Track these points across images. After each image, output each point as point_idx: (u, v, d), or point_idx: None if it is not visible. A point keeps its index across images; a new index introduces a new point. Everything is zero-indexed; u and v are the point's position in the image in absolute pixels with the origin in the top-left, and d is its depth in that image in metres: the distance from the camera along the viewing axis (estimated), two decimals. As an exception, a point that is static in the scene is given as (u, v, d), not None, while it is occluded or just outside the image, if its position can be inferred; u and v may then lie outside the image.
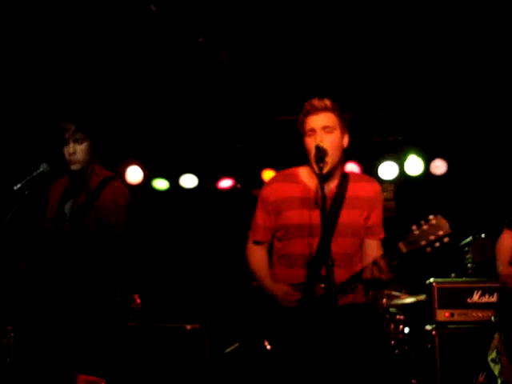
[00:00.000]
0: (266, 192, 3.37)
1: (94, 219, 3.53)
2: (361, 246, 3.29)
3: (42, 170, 3.47)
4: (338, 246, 3.10)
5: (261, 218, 3.35)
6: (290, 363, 3.07)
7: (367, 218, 3.26)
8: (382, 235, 3.33)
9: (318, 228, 3.09)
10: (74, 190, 3.67)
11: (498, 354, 3.77)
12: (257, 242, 3.39)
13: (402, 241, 2.92)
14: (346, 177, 3.28)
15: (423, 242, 2.86)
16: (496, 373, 3.83)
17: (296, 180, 3.31)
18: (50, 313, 3.43)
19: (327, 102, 3.21)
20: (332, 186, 3.22)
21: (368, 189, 3.30)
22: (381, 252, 3.13)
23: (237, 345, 6.07)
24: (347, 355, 3.03)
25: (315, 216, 3.10)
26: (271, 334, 3.15)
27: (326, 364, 2.98)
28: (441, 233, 2.84)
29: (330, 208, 3.14)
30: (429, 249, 2.87)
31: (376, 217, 3.30)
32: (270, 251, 3.44)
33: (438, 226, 2.85)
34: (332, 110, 3.20)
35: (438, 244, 2.86)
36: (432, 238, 2.85)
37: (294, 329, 3.09)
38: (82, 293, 3.45)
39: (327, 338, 2.94)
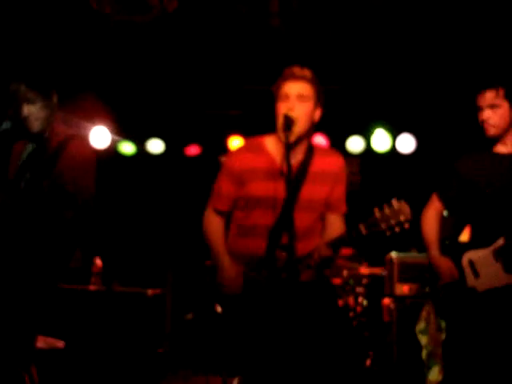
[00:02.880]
0: (231, 161, 3.31)
1: (54, 185, 3.35)
2: (320, 219, 3.27)
3: (4, 127, 3.37)
4: (297, 219, 3.07)
5: (224, 186, 3.29)
6: (242, 330, 3.10)
7: (330, 193, 3.23)
8: (344, 210, 3.30)
9: (281, 200, 3.08)
10: (34, 154, 3.52)
11: (426, 324, 3.85)
12: (217, 211, 3.33)
13: (363, 222, 2.92)
14: (311, 150, 3.24)
15: (383, 226, 2.85)
16: (423, 343, 3.92)
17: (262, 150, 3.26)
18: (6, 273, 3.35)
19: (307, 72, 3.17)
20: (297, 158, 3.21)
21: (332, 163, 3.26)
22: (343, 227, 3.16)
23: (192, 314, 6.11)
24: (301, 329, 3.06)
25: (280, 188, 3.07)
26: (225, 301, 3.17)
27: (281, 335, 3.01)
28: (402, 218, 2.84)
29: (294, 181, 3.13)
30: (388, 232, 2.87)
31: (339, 192, 3.26)
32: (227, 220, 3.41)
33: (399, 210, 2.84)
34: (310, 80, 3.15)
35: (398, 229, 2.85)
36: (393, 222, 2.84)
37: (249, 297, 3.11)
38: (41, 256, 3.36)
39: (282, 309, 2.97)
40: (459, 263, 3.62)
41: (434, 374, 3.86)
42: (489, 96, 3.60)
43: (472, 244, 3.65)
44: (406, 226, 2.85)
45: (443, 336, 3.75)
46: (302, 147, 3.21)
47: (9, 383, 3.21)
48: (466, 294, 3.55)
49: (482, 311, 3.51)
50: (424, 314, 3.88)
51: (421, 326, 3.92)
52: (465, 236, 3.75)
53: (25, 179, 3.42)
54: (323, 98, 3.23)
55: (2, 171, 3.55)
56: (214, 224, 3.34)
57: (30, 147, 3.50)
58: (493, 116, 3.59)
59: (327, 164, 3.25)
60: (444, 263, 3.64)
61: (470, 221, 3.74)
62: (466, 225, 3.78)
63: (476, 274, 3.57)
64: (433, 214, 3.80)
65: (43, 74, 3.49)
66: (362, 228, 2.90)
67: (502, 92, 3.59)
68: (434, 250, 3.72)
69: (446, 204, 3.79)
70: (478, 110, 3.65)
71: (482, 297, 3.52)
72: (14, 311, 3.26)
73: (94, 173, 3.47)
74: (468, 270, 3.59)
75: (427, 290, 3.86)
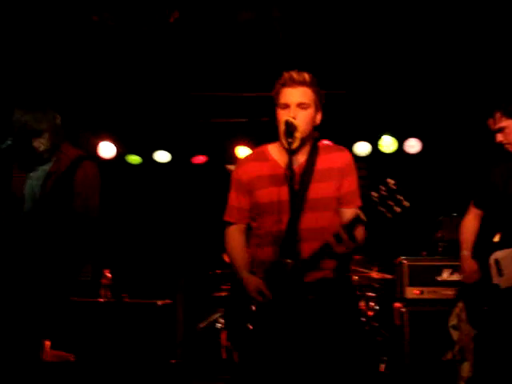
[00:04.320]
0: (238, 173, 3.29)
1: (65, 206, 3.44)
2: (335, 218, 3.17)
3: (9, 143, 3.39)
4: (309, 220, 3.06)
5: (235, 199, 3.28)
6: (259, 341, 3.07)
7: (339, 188, 3.17)
8: (359, 203, 3.16)
9: (286, 204, 3.03)
10: (41, 171, 3.57)
11: (459, 320, 3.95)
12: (233, 224, 3.31)
13: (361, 207, 2.89)
14: (315, 150, 3.20)
15: (382, 208, 2.79)
16: (455, 338, 4.00)
17: (265, 158, 3.25)
18: (15, 288, 3.37)
19: (306, 76, 3.11)
20: (301, 160, 3.18)
21: (338, 159, 3.20)
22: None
23: (212, 318, 6.09)
24: (318, 333, 3.02)
25: (284, 192, 3.04)
26: (240, 311, 3.14)
27: (296, 343, 2.97)
28: (400, 197, 2.78)
29: (299, 183, 3.10)
30: (389, 214, 2.80)
31: (349, 185, 3.18)
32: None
33: (397, 190, 2.78)
34: (310, 85, 3.11)
35: (398, 209, 2.78)
36: (391, 203, 2.78)
37: (264, 308, 3.08)
38: (51, 270, 3.39)
39: (297, 316, 2.93)
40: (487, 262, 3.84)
41: (465, 369, 3.94)
42: (492, 123, 3.83)
43: (500, 245, 3.84)
44: (406, 203, 2.79)
45: (474, 332, 3.88)
46: (306, 149, 3.19)
47: None
48: (491, 291, 3.76)
49: (505, 307, 3.69)
50: (457, 310, 4.00)
51: (453, 321, 4.03)
52: (497, 237, 3.97)
53: (36, 199, 3.48)
54: (323, 100, 3.20)
55: (5, 187, 3.59)
56: (231, 238, 3.32)
57: (39, 169, 3.56)
58: (504, 137, 3.80)
59: (332, 160, 3.19)
60: (468, 265, 3.88)
61: (501, 224, 3.92)
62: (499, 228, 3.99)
63: (500, 272, 3.77)
64: (470, 218, 4.02)
65: (44, 98, 3.57)
66: (362, 215, 2.86)
67: (499, 114, 3.80)
68: (464, 250, 3.94)
69: (481, 210, 4.01)
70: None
71: (504, 294, 3.72)
72: (21, 324, 3.28)
73: (98, 193, 3.54)
74: (493, 269, 3.79)
75: (458, 290, 4.04)
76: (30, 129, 3.45)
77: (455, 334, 3.99)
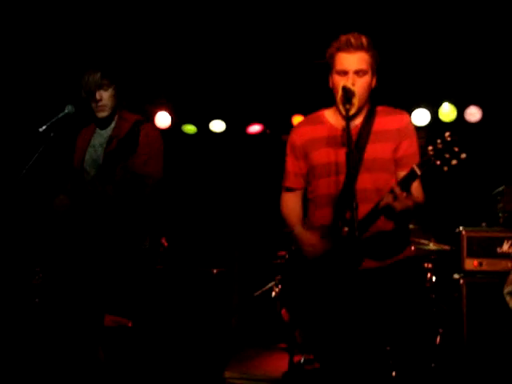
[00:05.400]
0: (293, 137, 3.31)
1: (128, 168, 3.49)
2: (393, 180, 3.15)
3: (67, 111, 3.45)
4: (366, 181, 3.05)
5: (291, 164, 3.31)
6: (313, 307, 3.08)
7: (396, 150, 3.13)
8: None
9: (343, 166, 3.00)
10: (103, 138, 3.63)
11: None
12: (289, 189, 3.35)
13: (417, 162, 2.85)
14: (373, 112, 3.17)
15: (438, 162, 2.76)
16: (510, 306, 3.95)
17: (322, 121, 3.25)
18: (79, 255, 3.45)
19: (364, 40, 3.08)
20: (357, 122, 3.14)
21: (396, 121, 3.16)
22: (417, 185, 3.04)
23: (268, 286, 6.11)
24: (372, 300, 3.01)
25: (341, 154, 3.02)
26: (298, 279, 3.15)
27: (353, 310, 2.96)
28: (456, 149, 2.74)
29: (356, 144, 3.05)
30: (446, 168, 2.77)
31: (406, 148, 3.13)
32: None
33: (453, 142, 2.75)
34: (367, 49, 3.08)
35: (454, 162, 2.75)
36: (447, 155, 2.75)
37: (320, 274, 3.07)
38: (113, 237, 3.45)
39: (352, 283, 2.92)
40: None
41: None
42: None
43: None
44: (463, 156, 2.74)
45: None
46: (363, 113, 3.17)
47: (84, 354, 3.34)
48: None
49: None
50: (511, 277, 3.96)
51: (509, 288, 3.99)
52: None
53: (94, 158, 3.54)
54: (379, 60, 3.14)
55: (68, 156, 3.67)
56: (287, 202, 3.36)
57: (102, 133, 3.61)
58: None
59: (390, 122, 3.16)
60: None
61: None
62: None
63: None
64: None
65: (117, 64, 3.63)
66: (416, 168, 2.82)
67: None
68: None
69: None
70: None
71: None
72: (87, 290, 3.38)
73: (162, 155, 3.58)
74: None
75: None
76: (97, 82, 3.55)
77: (511, 302, 3.96)
